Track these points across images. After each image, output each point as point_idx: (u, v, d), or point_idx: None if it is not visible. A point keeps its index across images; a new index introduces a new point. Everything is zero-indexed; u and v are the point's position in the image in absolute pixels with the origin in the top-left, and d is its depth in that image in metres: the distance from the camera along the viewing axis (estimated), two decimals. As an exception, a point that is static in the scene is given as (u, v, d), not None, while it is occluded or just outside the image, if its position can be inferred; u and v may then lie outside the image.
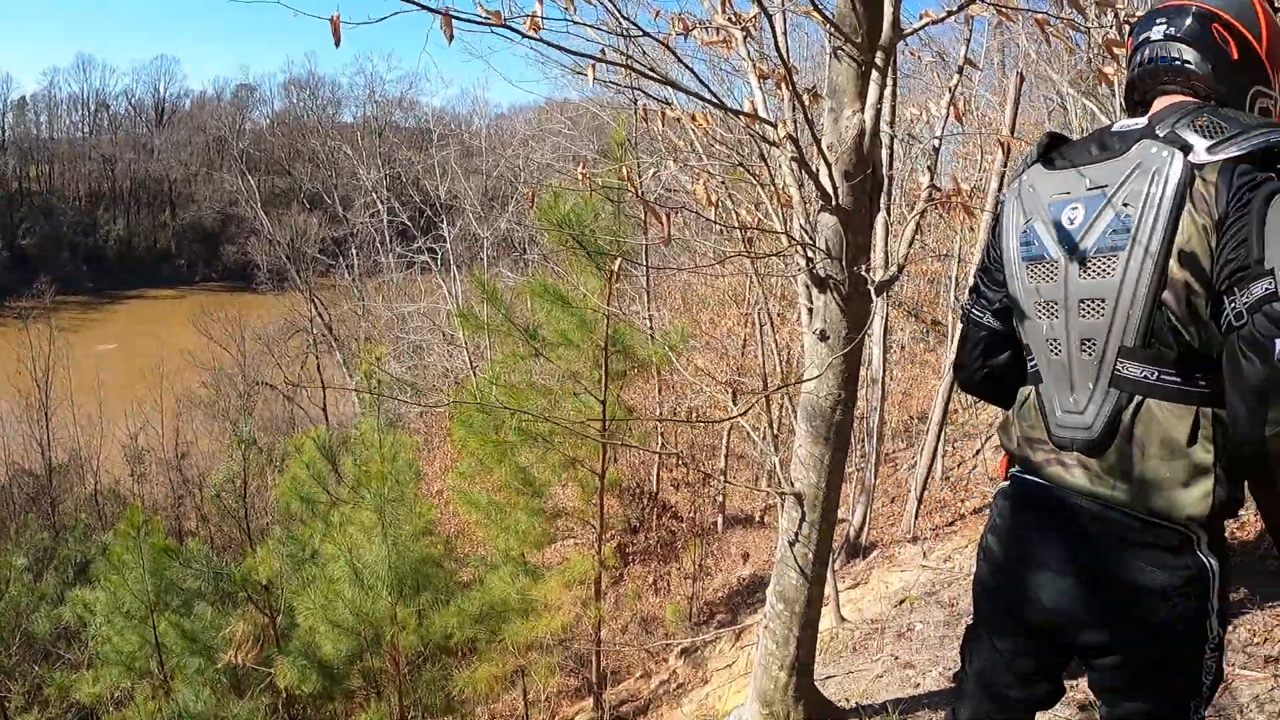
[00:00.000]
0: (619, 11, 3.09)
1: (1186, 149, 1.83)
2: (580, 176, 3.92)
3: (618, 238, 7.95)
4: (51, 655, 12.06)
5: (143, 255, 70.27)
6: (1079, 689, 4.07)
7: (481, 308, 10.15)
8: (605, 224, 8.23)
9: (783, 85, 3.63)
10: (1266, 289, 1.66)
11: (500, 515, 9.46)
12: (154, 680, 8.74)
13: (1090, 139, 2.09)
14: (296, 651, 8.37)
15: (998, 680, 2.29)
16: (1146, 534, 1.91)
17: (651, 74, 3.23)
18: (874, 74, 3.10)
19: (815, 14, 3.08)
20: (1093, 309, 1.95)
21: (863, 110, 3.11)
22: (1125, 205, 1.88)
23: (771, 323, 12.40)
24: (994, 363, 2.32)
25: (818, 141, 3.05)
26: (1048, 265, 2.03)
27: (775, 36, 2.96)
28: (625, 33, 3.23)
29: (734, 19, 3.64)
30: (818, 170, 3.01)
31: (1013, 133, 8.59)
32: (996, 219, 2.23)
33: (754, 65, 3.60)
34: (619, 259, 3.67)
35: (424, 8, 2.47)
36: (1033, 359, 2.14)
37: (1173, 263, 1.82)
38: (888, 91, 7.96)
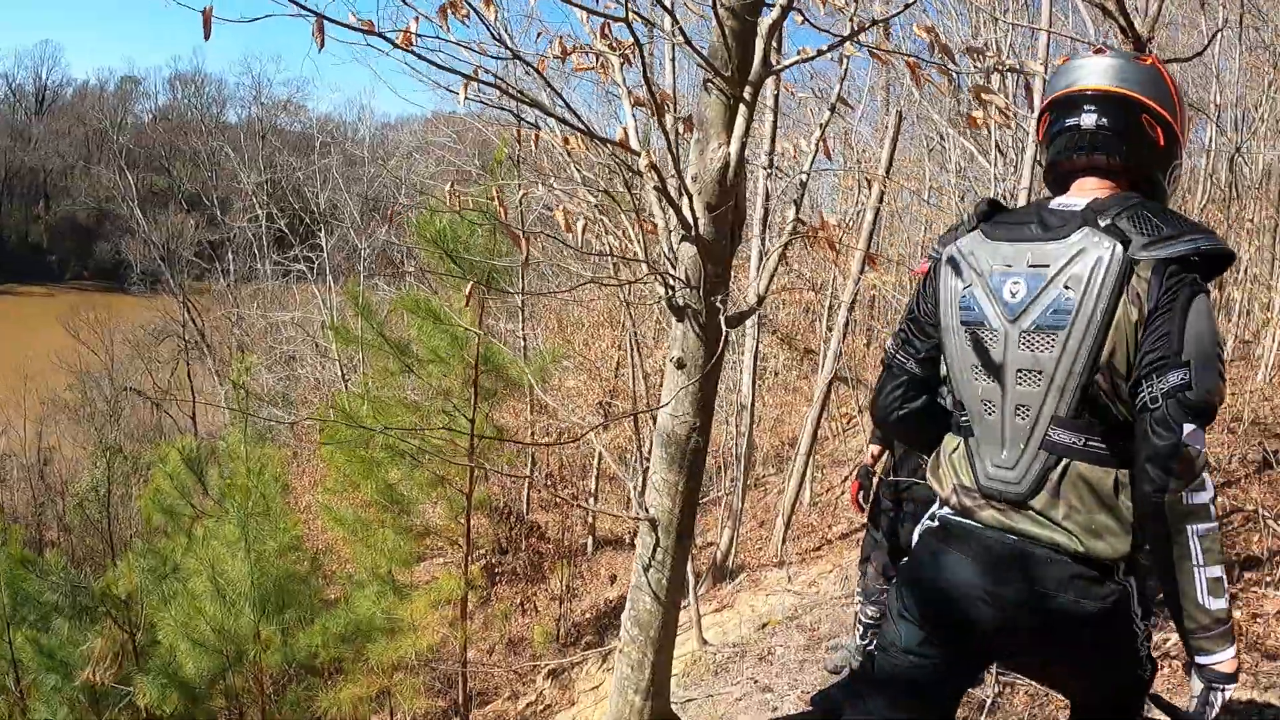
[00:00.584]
0: (493, 31, 3.08)
1: (1125, 242, 2.01)
2: (449, 194, 3.89)
3: (484, 259, 7.92)
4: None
5: (12, 248, 66.93)
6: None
7: (356, 320, 10.01)
8: (481, 242, 8.21)
9: (656, 114, 3.68)
10: (1181, 379, 1.92)
11: (367, 532, 9.30)
12: (9, 698, 8.41)
13: (1029, 214, 2.23)
14: (157, 670, 8.05)
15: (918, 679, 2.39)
16: (1073, 569, 2.08)
17: (520, 96, 3.23)
18: (742, 108, 3.15)
19: (687, 46, 3.13)
20: (1029, 379, 2.11)
21: (729, 144, 3.16)
22: (1067, 288, 2.05)
23: (637, 348, 12.46)
24: (911, 406, 2.44)
25: (679, 173, 3.09)
26: (987, 332, 2.17)
27: (644, 66, 2.99)
28: (497, 55, 3.24)
29: (613, 45, 3.66)
30: (680, 201, 3.04)
31: (889, 169, 8.82)
32: (929, 275, 2.35)
33: (629, 92, 3.62)
34: (471, 282, 3.65)
35: (300, 5, 2.45)
36: (965, 414, 2.28)
37: (1105, 348, 2.01)
38: (767, 127, 8.17)
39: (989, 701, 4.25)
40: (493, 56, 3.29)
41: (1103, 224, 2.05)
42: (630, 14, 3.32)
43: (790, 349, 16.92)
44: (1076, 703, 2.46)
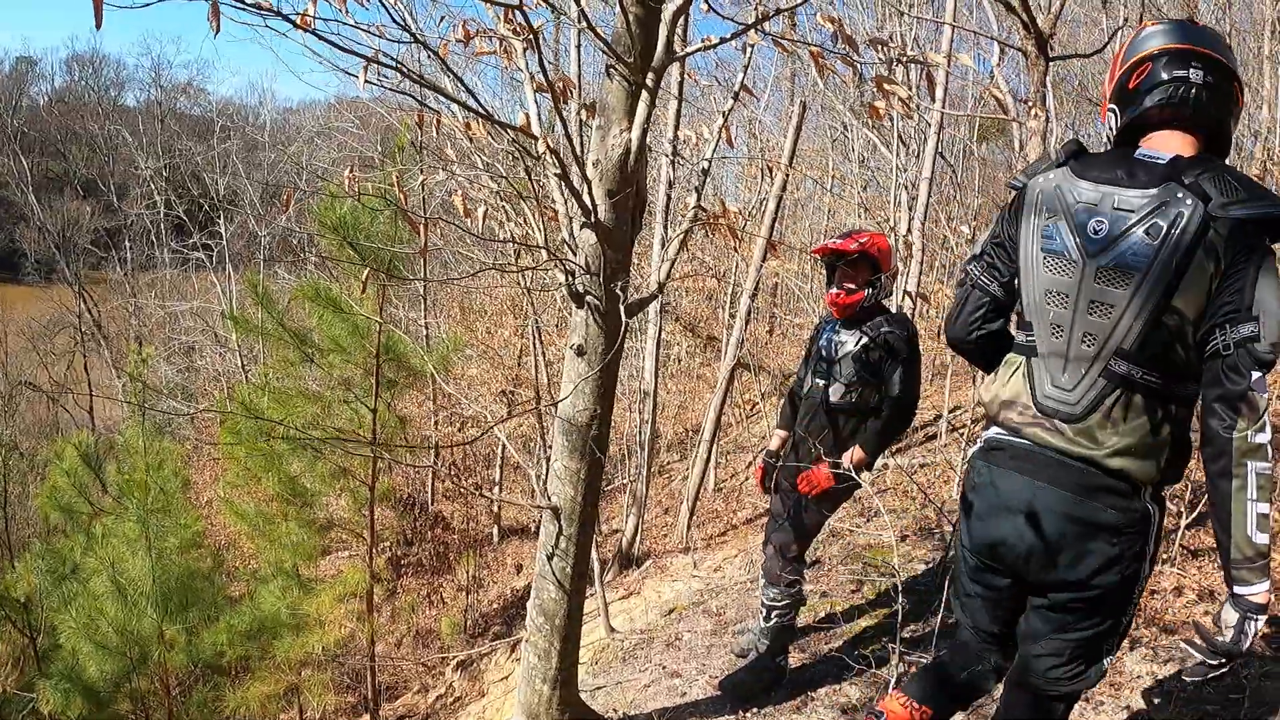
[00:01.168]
0: (392, 13, 3.02)
1: (1206, 199, 2.20)
2: (348, 179, 3.81)
3: (386, 246, 7.80)
4: None
5: (-101, 235, 63.47)
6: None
7: (256, 310, 9.79)
8: (382, 229, 8.07)
9: (561, 100, 3.64)
10: (1251, 330, 2.15)
11: (270, 527, 9.10)
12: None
13: (1117, 160, 2.40)
14: (59, 674, 7.86)
15: (975, 620, 2.75)
16: (1106, 481, 2.35)
17: (420, 79, 3.18)
18: (644, 95, 3.13)
19: (590, 32, 3.11)
20: (1101, 310, 2.32)
21: (630, 130, 3.15)
22: (1148, 234, 2.25)
23: (540, 335, 12.41)
24: (990, 327, 2.65)
25: (578, 159, 3.07)
26: (1066, 262, 2.37)
27: (539, 51, 2.96)
28: (398, 39, 3.18)
29: (517, 30, 3.62)
30: (581, 187, 3.02)
31: (793, 157, 8.88)
32: (1015, 202, 2.55)
33: (532, 78, 3.58)
34: (368, 269, 3.59)
35: (193, -15, 2.37)
36: (1031, 335, 2.48)
37: (1179, 294, 2.22)
38: (671, 114, 8.18)
39: (893, 680, 4.31)
40: (393, 40, 3.23)
41: (1186, 181, 2.24)
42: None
43: (693, 336, 17.00)
44: (1047, 650, 2.61)
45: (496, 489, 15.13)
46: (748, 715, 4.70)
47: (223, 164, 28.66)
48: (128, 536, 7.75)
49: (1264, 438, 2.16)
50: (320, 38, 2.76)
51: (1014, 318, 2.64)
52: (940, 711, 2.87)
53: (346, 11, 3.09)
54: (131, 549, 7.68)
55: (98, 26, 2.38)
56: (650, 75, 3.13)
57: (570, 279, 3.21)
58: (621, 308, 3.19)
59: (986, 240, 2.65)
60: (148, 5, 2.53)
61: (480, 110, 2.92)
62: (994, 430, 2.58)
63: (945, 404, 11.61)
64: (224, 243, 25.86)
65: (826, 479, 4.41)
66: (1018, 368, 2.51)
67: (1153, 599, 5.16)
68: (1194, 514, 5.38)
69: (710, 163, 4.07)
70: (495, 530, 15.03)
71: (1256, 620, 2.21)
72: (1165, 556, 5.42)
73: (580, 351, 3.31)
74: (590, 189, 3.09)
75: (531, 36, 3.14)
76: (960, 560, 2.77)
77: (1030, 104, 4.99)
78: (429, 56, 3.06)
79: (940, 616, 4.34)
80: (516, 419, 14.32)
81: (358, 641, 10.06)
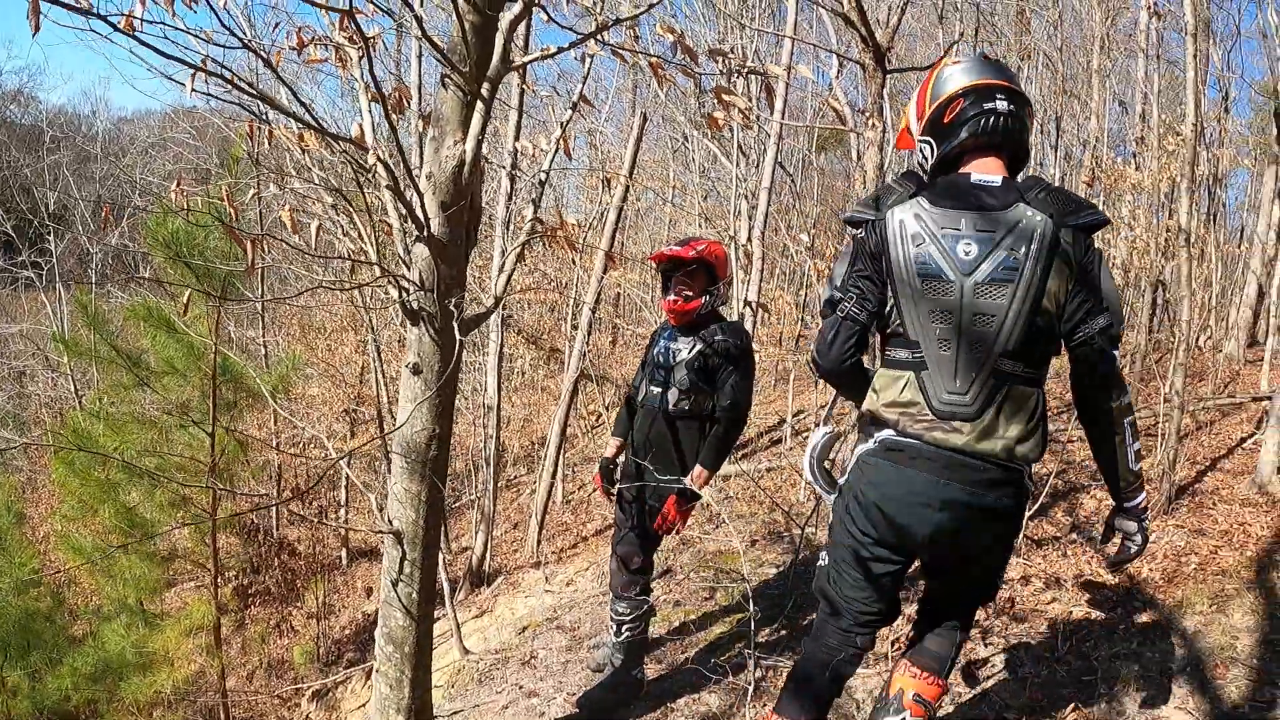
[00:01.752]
0: (221, 17, 2.87)
1: (1050, 214, 2.63)
2: (175, 193, 3.63)
3: (221, 263, 7.51)
4: None
5: None
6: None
7: (89, 331, 9.32)
8: (216, 245, 7.78)
9: (396, 109, 3.54)
10: (1105, 321, 2.65)
11: (108, 561, 8.63)
12: None
13: (960, 189, 2.74)
14: (-109, 732, 7.28)
15: (861, 602, 2.98)
16: (1002, 474, 2.72)
17: (249, 89, 3.03)
18: (479, 105, 3.06)
19: (425, 41, 3.02)
20: (983, 321, 2.64)
21: (465, 141, 3.07)
22: (1011, 250, 2.62)
23: (379, 353, 12.18)
24: (859, 355, 2.89)
25: (410, 171, 2.98)
26: (944, 283, 2.67)
27: (370, 60, 2.85)
28: (226, 44, 3.04)
29: (352, 38, 3.51)
30: (412, 199, 2.93)
31: (633, 168, 8.92)
32: (874, 234, 2.80)
33: (366, 87, 3.47)
34: (190, 290, 3.42)
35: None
36: (917, 352, 2.74)
37: (1045, 296, 2.62)
38: (510, 125, 8.10)
39: (751, 686, 4.33)
40: (222, 46, 3.08)
41: (1030, 199, 2.66)
42: (371, 5, 3.19)
43: (536, 348, 16.93)
44: (945, 599, 3.16)
45: (342, 511, 14.77)
46: (608, 731, 4.67)
47: (53, 176, 27.17)
48: (-41, 578, 7.26)
49: (1128, 398, 2.76)
50: (143, 43, 2.60)
51: (874, 339, 3.00)
52: (820, 713, 3.12)
53: (173, 13, 2.93)
54: (-37, 591, 7.20)
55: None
56: (486, 85, 3.06)
57: (404, 295, 3.11)
58: (457, 324, 3.11)
59: (846, 274, 2.87)
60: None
61: (310, 120, 2.80)
62: (886, 432, 2.82)
63: (789, 408, 11.83)
64: (54, 260, 24.47)
65: (678, 515, 4.46)
66: (907, 381, 2.76)
67: (1001, 589, 5.32)
68: (1035, 505, 5.59)
69: (549, 174, 4.01)
70: (344, 553, 14.64)
71: (1147, 518, 2.90)
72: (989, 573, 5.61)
73: (416, 370, 3.21)
74: (423, 202, 3.00)
75: (365, 44, 3.03)
76: (843, 549, 2.98)
77: (868, 115, 5.10)
78: (266, 64, 2.92)
79: (794, 620, 4.36)
80: (361, 437, 14.00)
81: (208, 677, 9.62)
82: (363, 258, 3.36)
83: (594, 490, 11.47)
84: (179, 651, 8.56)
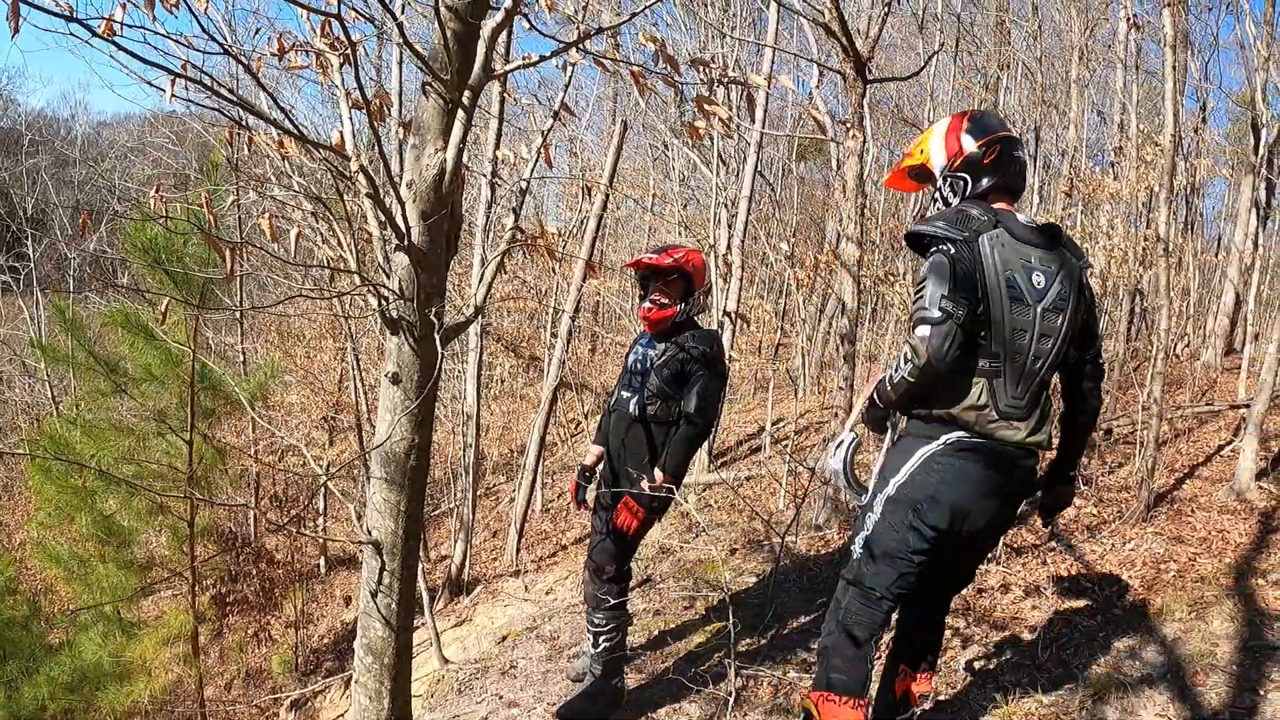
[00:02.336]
0: (201, 22, 2.85)
1: (1078, 260, 3.26)
2: (153, 199, 3.60)
3: (199, 269, 7.46)
4: None
5: None
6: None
7: (66, 337, 9.26)
8: (195, 251, 7.74)
9: (378, 117, 3.51)
10: (1098, 343, 3.41)
11: (85, 569, 8.57)
12: None
13: (1021, 226, 3.20)
14: None
15: (898, 586, 3.30)
16: (1034, 460, 3.32)
17: (230, 95, 3.01)
18: (460, 113, 3.05)
19: (407, 47, 3.00)
20: (1046, 339, 3.17)
21: (445, 149, 3.05)
22: (1063, 285, 3.18)
23: (358, 361, 12.12)
24: (960, 354, 3.13)
25: (391, 179, 2.96)
26: (1025, 306, 3.14)
27: (356, 65, 2.83)
28: (206, 50, 3.02)
29: (333, 45, 3.49)
30: (392, 207, 2.91)
31: (613, 177, 8.91)
32: (965, 254, 3.12)
33: (348, 94, 3.45)
34: (168, 298, 3.38)
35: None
36: (996, 361, 3.14)
37: (1078, 324, 3.26)
38: (491, 134, 8.08)
39: (732, 696, 4.32)
40: (202, 51, 3.06)
41: (1063, 243, 3.25)
42: (353, 13, 3.17)
43: (515, 356, 16.87)
44: (942, 591, 3.67)
45: (321, 519, 14.67)
46: (587, 742, 4.65)
47: (31, 180, 26.94)
48: (-64, 588, 7.18)
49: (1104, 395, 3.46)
50: (122, 48, 2.57)
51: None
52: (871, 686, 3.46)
53: (155, 19, 2.90)
54: (-61, 601, 7.12)
55: None
56: (467, 93, 3.04)
57: (384, 304, 3.09)
58: (437, 334, 3.10)
59: (950, 291, 3.09)
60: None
61: (291, 127, 2.78)
62: (957, 434, 3.20)
63: (768, 417, 11.83)
64: (32, 265, 24.26)
65: (637, 515, 4.46)
66: (982, 387, 3.16)
67: (980, 597, 5.34)
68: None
69: (529, 182, 4.00)
70: (322, 561, 14.55)
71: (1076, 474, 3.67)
72: (990, 556, 5.63)
73: (395, 380, 3.18)
74: (404, 210, 2.98)
75: (350, 49, 3.01)
76: (895, 542, 3.27)
77: (848, 124, 5.12)
78: (247, 70, 2.89)
79: (773, 630, 4.35)
80: (339, 446, 13.93)
81: (186, 686, 9.54)
82: (342, 266, 3.33)
83: (572, 498, 11.46)
84: (156, 660, 8.50)
